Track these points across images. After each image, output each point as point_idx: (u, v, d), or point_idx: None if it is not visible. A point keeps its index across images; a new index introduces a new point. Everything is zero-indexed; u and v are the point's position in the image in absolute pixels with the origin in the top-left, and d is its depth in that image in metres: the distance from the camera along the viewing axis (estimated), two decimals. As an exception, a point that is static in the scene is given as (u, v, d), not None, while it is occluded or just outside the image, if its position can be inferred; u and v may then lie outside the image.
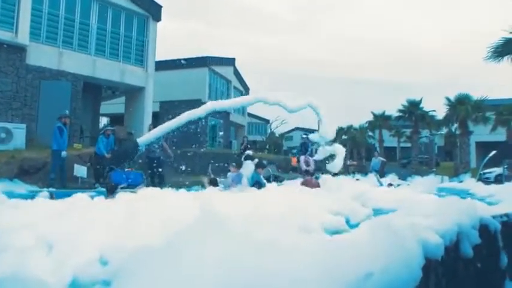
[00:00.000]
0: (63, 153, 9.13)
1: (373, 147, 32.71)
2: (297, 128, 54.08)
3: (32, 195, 5.32)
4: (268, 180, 12.52)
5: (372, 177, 13.02)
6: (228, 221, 2.02)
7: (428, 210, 3.16)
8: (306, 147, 14.83)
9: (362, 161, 32.12)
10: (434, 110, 28.87)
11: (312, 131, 11.35)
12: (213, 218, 1.97)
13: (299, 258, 1.77)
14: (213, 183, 7.21)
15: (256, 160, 8.22)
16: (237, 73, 28.16)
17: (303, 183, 7.52)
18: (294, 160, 14.36)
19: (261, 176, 7.91)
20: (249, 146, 14.61)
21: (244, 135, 19.00)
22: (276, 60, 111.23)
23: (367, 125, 35.81)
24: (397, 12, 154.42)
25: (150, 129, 10.67)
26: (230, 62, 26.70)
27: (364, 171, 18.42)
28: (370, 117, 34.26)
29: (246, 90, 30.06)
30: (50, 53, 12.28)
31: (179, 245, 1.78)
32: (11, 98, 11.27)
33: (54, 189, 7.46)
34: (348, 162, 23.48)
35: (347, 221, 4.22)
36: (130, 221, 3.28)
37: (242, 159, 9.16)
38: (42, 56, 12.03)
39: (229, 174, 7.51)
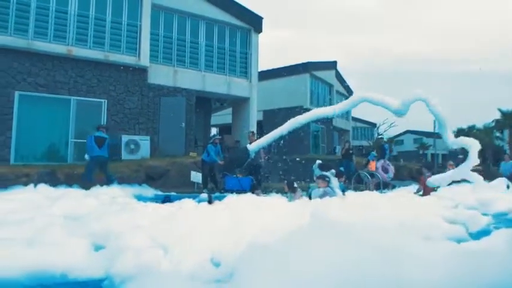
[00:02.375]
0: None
1: (502, 150, 28.48)
2: (407, 131, 50.01)
3: (155, 199, 5.89)
4: (378, 188, 11.78)
5: (501, 182, 11.14)
6: (343, 227, 1.89)
7: None
8: (383, 152, 13.49)
9: (487, 165, 28.17)
10: None
11: (428, 134, 10.22)
12: (326, 223, 1.86)
13: (429, 266, 1.58)
14: (292, 189, 6.91)
15: (333, 170, 7.57)
16: (339, 76, 27.46)
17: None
18: (372, 165, 12.80)
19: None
20: (351, 151, 14.01)
21: (345, 140, 18.31)
22: (380, 59, 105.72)
23: (493, 124, 31.44)
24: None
25: (249, 137, 11.13)
26: (331, 65, 26.17)
27: (490, 177, 15.99)
28: (497, 116, 29.99)
29: (349, 93, 29.07)
30: (167, 72, 13.69)
31: (292, 248, 1.72)
32: (137, 114, 12.86)
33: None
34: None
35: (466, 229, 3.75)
36: (237, 225, 3.35)
37: (314, 167, 8.52)
38: (160, 75, 13.48)
39: (320, 189, 6.40)
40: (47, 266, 2.56)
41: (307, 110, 11.12)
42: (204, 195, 7.68)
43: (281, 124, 10.02)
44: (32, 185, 6.85)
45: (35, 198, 4.84)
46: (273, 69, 22.64)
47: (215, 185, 10.68)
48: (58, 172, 9.50)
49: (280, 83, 22.10)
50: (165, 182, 10.68)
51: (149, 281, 1.85)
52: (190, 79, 14.08)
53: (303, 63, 22.67)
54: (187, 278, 2.01)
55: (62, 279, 2.53)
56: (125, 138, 11.98)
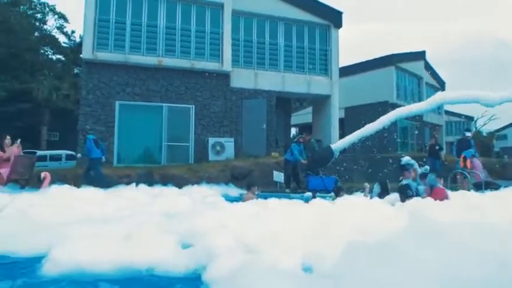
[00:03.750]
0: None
1: None
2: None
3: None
4: (479, 188, 10.56)
5: None
6: (443, 229, 1.71)
7: None
8: (468, 146, 11.73)
9: None
10: None
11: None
12: (426, 225, 1.70)
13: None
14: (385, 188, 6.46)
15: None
16: (429, 67, 25.34)
17: None
18: (468, 163, 11.04)
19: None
20: (437, 148, 12.74)
21: (433, 134, 16.76)
22: (477, 46, 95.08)
23: None
24: None
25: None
26: (419, 56, 24.23)
27: None
28: None
29: (441, 85, 26.71)
30: (247, 75, 14.05)
31: (395, 250, 1.61)
32: (222, 117, 13.43)
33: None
34: None
35: None
36: (327, 225, 3.25)
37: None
38: (242, 78, 13.89)
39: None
40: (136, 261, 2.75)
41: (394, 105, 10.51)
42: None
43: (365, 121, 9.63)
44: (133, 184, 7.57)
45: (138, 196, 5.33)
46: (355, 64, 21.80)
47: (298, 185, 10.64)
48: (154, 173, 10.38)
49: (363, 78, 21.20)
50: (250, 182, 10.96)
51: (243, 280, 1.88)
52: (270, 80, 14.26)
53: (387, 56, 21.43)
54: (282, 278, 2.00)
55: (148, 273, 2.70)
56: (211, 140, 12.60)
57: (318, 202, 4.41)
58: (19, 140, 8.43)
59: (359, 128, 9.44)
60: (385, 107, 17.27)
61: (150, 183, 8.59)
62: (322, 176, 10.54)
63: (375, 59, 21.46)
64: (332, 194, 7.04)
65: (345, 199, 4.89)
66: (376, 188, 7.02)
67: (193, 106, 13.12)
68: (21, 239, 3.16)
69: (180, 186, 8.33)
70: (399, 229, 1.94)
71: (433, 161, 12.05)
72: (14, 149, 8.01)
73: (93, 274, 2.62)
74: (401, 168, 6.38)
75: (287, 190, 10.24)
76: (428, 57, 24.92)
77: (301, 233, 2.99)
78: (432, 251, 1.56)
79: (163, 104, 12.78)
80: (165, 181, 9.56)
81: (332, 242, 2.78)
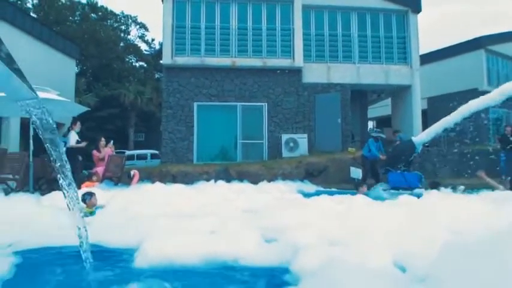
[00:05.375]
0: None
1: None
2: None
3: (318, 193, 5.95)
4: None
5: None
6: None
7: None
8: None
9: None
10: None
11: None
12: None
13: None
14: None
15: None
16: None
17: None
18: None
19: None
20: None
21: (506, 124, 14.57)
22: None
23: None
24: None
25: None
26: (514, 36, 21.53)
27: None
28: None
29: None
30: (320, 69, 13.74)
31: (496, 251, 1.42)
32: (294, 114, 13.35)
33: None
34: None
35: None
36: (416, 225, 3.02)
37: None
38: (314, 73, 13.63)
39: None
40: (221, 254, 2.82)
41: (485, 92, 9.43)
42: (420, 190, 7.25)
43: (451, 111, 8.81)
44: (212, 181, 7.89)
45: (220, 192, 5.55)
46: (438, 50, 20.10)
47: (377, 181, 10.12)
48: (230, 169, 10.70)
49: (447, 64, 19.46)
50: (325, 178, 10.74)
51: (331, 276, 1.81)
52: (344, 73, 13.79)
53: (475, 39, 19.37)
54: (372, 277, 1.89)
55: (233, 265, 2.75)
56: (284, 137, 12.60)
57: (406, 199, 4.12)
58: (112, 141, 9.27)
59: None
60: (475, 94, 15.64)
61: (227, 180, 8.86)
62: (404, 171, 9.91)
63: (461, 43, 19.56)
64: (420, 190, 6.50)
65: (436, 196, 4.50)
66: None
67: (266, 104, 13.24)
68: (117, 231, 3.44)
69: (255, 182, 8.45)
70: (503, 228, 1.71)
71: (508, 153, 10.35)
72: (108, 150, 8.83)
73: (181, 266, 2.73)
74: None
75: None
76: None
77: (388, 231, 2.81)
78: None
79: (238, 103, 13.10)
80: (241, 177, 9.80)
81: (424, 241, 2.58)
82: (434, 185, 6.18)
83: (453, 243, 2.06)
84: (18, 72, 1.77)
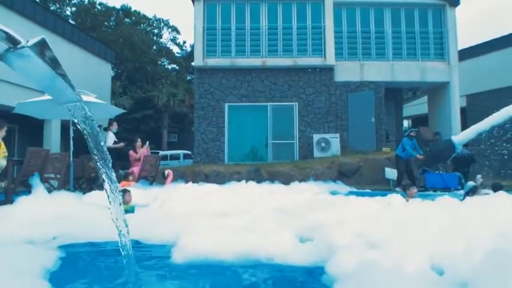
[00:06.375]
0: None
1: None
2: None
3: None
4: None
5: None
6: None
7: None
8: None
9: None
10: None
11: None
12: None
13: None
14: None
15: None
16: None
17: None
18: None
19: None
20: None
21: None
22: None
23: None
24: None
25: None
26: None
27: None
28: None
29: None
30: (352, 67, 13.49)
31: None
32: (326, 113, 13.18)
33: None
34: None
35: None
36: (457, 227, 2.89)
37: None
38: (346, 71, 13.39)
39: None
40: (256, 252, 2.85)
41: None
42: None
43: (492, 109, 8.38)
44: (243, 181, 7.92)
45: (254, 192, 5.59)
46: (478, 45, 19.15)
47: (413, 183, 9.76)
48: (261, 170, 10.71)
49: (488, 60, 18.49)
50: (358, 179, 10.52)
51: (367, 277, 1.77)
52: (377, 71, 13.46)
53: (519, 32, 18.33)
54: (409, 279, 1.82)
55: (268, 263, 2.75)
56: (315, 136, 12.46)
57: (447, 200, 3.95)
58: (148, 142, 9.54)
59: (485, 118, 8.25)
60: (518, 91, 14.84)
61: (258, 180, 8.87)
62: (442, 172, 9.55)
63: (503, 37, 18.53)
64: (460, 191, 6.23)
65: (481, 198, 4.29)
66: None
67: (296, 103, 13.15)
68: (155, 228, 3.56)
69: (286, 183, 8.40)
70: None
71: None
72: (144, 150, 9.09)
73: (217, 262, 2.78)
74: None
75: (397, 188, 9.49)
76: None
77: (428, 233, 2.70)
78: None
79: (268, 104, 13.10)
80: (272, 178, 9.78)
81: (466, 245, 2.45)
82: (498, 187, 5.90)
83: (498, 248, 1.96)
84: (64, 77, 1.85)
